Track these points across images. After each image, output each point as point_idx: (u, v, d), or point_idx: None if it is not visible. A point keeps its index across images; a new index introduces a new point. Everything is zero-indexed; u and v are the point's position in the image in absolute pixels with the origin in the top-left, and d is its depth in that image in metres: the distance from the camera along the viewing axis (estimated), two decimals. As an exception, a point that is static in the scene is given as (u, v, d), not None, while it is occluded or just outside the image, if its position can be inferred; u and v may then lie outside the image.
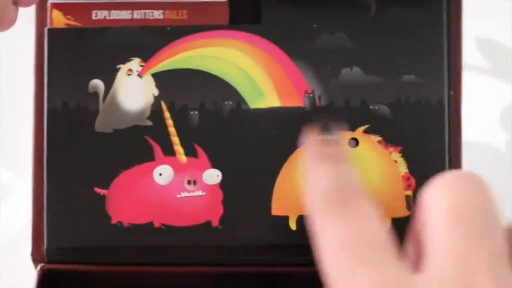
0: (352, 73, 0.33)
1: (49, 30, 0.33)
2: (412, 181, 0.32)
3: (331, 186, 0.24)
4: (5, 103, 0.34)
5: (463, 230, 0.21)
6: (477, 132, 0.48)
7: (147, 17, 0.33)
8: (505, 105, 0.49)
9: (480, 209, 0.22)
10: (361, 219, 0.22)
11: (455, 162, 0.33)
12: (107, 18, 0.33)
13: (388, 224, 0.24)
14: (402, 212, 0.32)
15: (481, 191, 0.22)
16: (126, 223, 0.33)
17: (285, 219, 0.32)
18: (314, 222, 0.24)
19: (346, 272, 0.21)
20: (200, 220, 0.33)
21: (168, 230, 0.33)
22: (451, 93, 0.33)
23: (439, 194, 0.22)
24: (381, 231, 0.22)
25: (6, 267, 0.38)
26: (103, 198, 0.33)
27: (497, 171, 0.47)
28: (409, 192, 0.32)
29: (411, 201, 0.32)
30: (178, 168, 0.33)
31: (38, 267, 0.33)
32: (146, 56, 0.33)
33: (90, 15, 0.33)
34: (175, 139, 0.33)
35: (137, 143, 0.33)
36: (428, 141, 0.32)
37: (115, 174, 0.33)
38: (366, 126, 0.32)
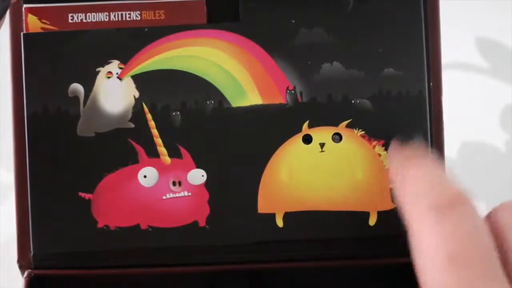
0: (332, 68, 0.33)
1: (25, 35, 0.33)
2: (396, 174, 0.32)
3: (426, 183, 0.24)
4: (6, 103, 0.34)
5: None
6: (477, 132, 0.48)
7: (124, 18, 0.33)
8: (505, 105, 0.49)
9: None
10: (462, 219, 0.22)
11: (438, 154, 0.33)
12: (84, 21, 0.33)
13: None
14: (387, 205, 0.33)
15: None
16: (112, 226, 0.33)
17: (272, 216, 0.33)
18: (413, 221, 0.24)
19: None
20: (187, 220, 0.33)
21: (155, 232, 0.33)
22: (431, 84, 0.33)
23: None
24: (483, 233, 0.22)
25: (5, 268, 0.38)
26: (88, 202, 0.33)
27: (497, 171, 0.47)
28: (393, 185, 0.32)
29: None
30: (162, 170, 0.33)
31: (25, 274, 0.33)
32: (125, 58, 0.33)
33: (66, 18, 0.33)
34: (158, 140, 0.33)
35: (120, 146, 0.33)
36: (411, 133, 0.32)
37: (99, 178, 0.33)
38: (348, 121, 0.33)
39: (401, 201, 0.25)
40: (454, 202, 0.23)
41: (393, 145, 0.28)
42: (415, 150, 0.27)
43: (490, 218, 0.24)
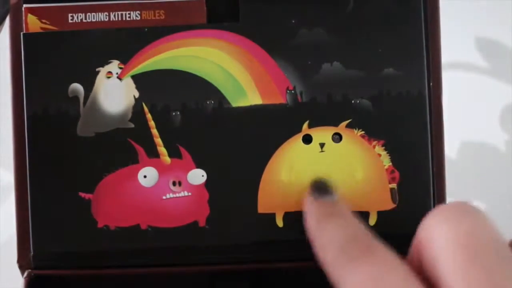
0: (332, 68, 0.33)
1: (24, 35, 0.33)
2: (396, 174, 0.32)
3: (344, 237, 0.24)
4: (5, 103, 0.34)
5: (477, 269, 0.22)
6: (477, 132, 0.48)
7: (124, 18, 0.33)
8: (505, 105, 0.49)
9: (491, 243, 0.22)
10: (380, 263, 0.23)
11: (438, 154, 0.33)
12: (84, 21, 0.33)
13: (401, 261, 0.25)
14: (387, 205, 0.33)
15: (484, 223, 0.23)
16: (112, 226, 0.33)
17: (272, 216, 0.33)
18: (335, 275, 0.25)
19: None
20: (187, 220, 0.33)
21: (155, 232, 0.33)
22: (431, 84, 0.33)
23: (444, 229, 0.23)
24: (402, 270, 0.23)
25: (5, 268, 0.38)
26: (88, 202, 0.33)
27: (497, 171, 0.47)
28: (393, 185, 0.33)
29: (396, 194, 0.32)
30: (162, 170, 0.33)
31: (25, 274, 0.33)
32: (125, 58, 0.33)
33: (66, 18, 0.33)
34: (158, 140, 0.33)
35: (120, 146, 0.33)
36: (411, 133, 0.32)
37: (99, 178, 0.33)
38: (348, 121, 0.33)
39: (322, 259, 0.26)
40: (367, 252, 0.25)
41: (309, 199, 0.29)
42: (328, 206, 0.28)
43: (421, 233, 0.24)
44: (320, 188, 0.29)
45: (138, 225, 0.33)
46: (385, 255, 0.24)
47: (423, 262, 0.24)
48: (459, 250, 0.22)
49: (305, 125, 0.33)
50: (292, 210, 0.33)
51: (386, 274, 0.23)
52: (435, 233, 0.23)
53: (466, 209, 0.23)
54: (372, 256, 0.24)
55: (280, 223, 0.33)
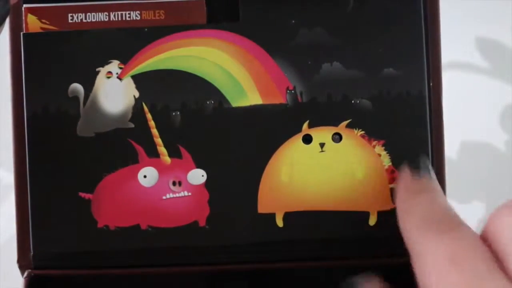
0: (332, 68, 0.33)
1: (24, 35, 0.33)
2: (396, 174, 0.32)
3: (432, 210, 0.25)
4: (5, 103, 0.34)
5: None
6: (477, 132, 0.48)
7: (124, 18, 0.33)
8: (505, 105, 0.49)
9: None
10: (463, 239, 0.24)
11: (438, 154, 0.33)
12: (84, 21, 0.33)
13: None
14: (387, 205, 0.33)
15: None
16: (112, 226, 0.33)
17: (272, 216, 0.33)
18: (417, 244, 0.25)
19: (460, 285, 0.23)
20: (187, 220, 0.33)
21: (155, 232, 0.33)
22: (431, 84, 0.33)
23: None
24: (482, 249, 0.24)
25: (5, 268, 0.38)
26: (88, 202, 0.33)
27: (497, 171, 0.47)
28: (394, 185, 0.32)
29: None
30: (162, 170, 0.33)
31: (25, 274, 0.33)
32: (125, 58, 0.33)
33: (66, 18, 0.33)
34: (158, 140, 0.33)
35: (120, 146, 0.33)
36: (411, 133, 0.32)
37: (99, 178, 0.33)
38: (348, 121, 0.33)
39: (404, 227, 0.27)
40: (453, 227, 0.25)
41: (402, 174, 0.29)
42: (421, 181, 0.29)
43: (489, 226, 0.25)
44: (417, 165, 0.29)
45: (138, 225, 0.33)
46: (468, 233, 0.25)
47: (492, 250, 0.25)
48: None
49: (305, 125, 0.33)
50: (292, 210, 0.33)
51: (467, 251, 0.24)
52: (502, 225, 0.24)
53: None
54: (456, 232, 0.24)
55: (280, 223, 0.33)
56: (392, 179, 0.33)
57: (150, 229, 0.33)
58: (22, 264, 0.33)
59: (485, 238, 0.25)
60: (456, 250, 0.24)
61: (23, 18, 0.33)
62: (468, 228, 0.25)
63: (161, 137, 0.33)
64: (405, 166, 0.30)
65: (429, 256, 0.24)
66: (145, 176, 0.33)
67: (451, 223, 0.25)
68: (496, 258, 0.24)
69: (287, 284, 0.35)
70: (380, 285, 0.27)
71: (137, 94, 0.33)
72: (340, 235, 0.32)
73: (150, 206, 0.33)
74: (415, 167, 0.29)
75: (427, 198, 0.27)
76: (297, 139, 0.33)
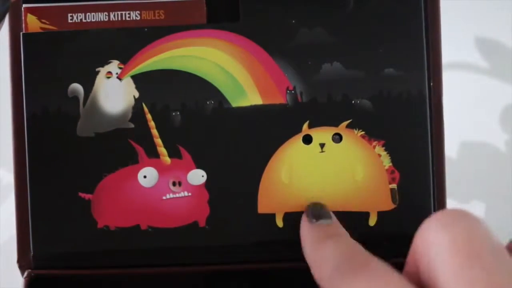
0: (332, 68, 0.33)
1: (24, 35, 0.33)
2: (396, 174, 0.32)
3: (340, 256, 0.25)
4: (5, 103, 0.34)
5: (477, 270, 0.22)
6: (477, 132, 0.48)
7: (124, 18, 0.33)
8: (505, 105, 0.49)
9: (488, 245, 0.22)
10: (376, 276, 0.23)
11: (438, 154, 0.33)
12: (83, 21, 0.33)
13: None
14: (387, 206, 0.33)
15: (480, 227, 0.23)
16: (112, 226, 0.33)
17: (272, 216, 0.33)
18: None
19: None
20: (187, 221, 0.33)
21: (155, 232, 0.33)
22: (431, 84, 0.33)
23: (440, 233, 0.23)
24: (398, 283, 0.23)
25: (5, 268, 0.38)
26: (88, 202, 0.33)
27: (497, 171, 0.47)
28: (394, 186, 0.32)
29: (396, 194, 0.32)
30: (162, 170, 0.33)
31: (25, 274, 0.33)
32: (124, 58, 0.33)
33: (66, 18, 0.33)
34: (158, 140, 0.33)
35: (120, 146, 0.32)
36: (411, 133, 0.32)
37: (99, 178, 0.33)
38: (349, 121, 0.33)
39: (319, 278, 0.27)
40: (365, 263, 0.25)
41: (302, 225, 0.30)
42: (325, 228, 0.29)
43: (417, 239, 0.25)
44: (317, 212, 0.30)
45: (138, 225, 0.33)
46: (381, 269, 0.24)
47: (420, 269, 0.24)
48: (457, 253, 0.22)
49: (305, 125, 0.33)
50: (292, 210, 0.33)
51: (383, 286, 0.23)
52: (431, 239, 0.23)
53: (461, 215, 0.23)
54: (367, 271, 0.24)
55: (280, 223, 0.33)
56: (392, 179, 0.33)
57: (150, 229, 0.33)
58: (22, 264, 0.33)
59: (415, 251, 0.24)
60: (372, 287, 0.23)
61: (23, 18, 0.33)
62: (380, 264, 0.25)
63: (161, 138, 0.33)
64: (305, 216, 0.30)
65: None
66: (145, 177, 0.33)
67: (362, 260, 0.25)
68: (428, 275, 0.24)
69: (287, 284, 0.35)
70: None
71: (137, 94, 0.33)
72: (340, 235, 0.32)
73: (150, 206, 0.33)
74: (315, 216, 0.30)
75: (332, 244, 0.27)
76: (297, 140, 0.33)
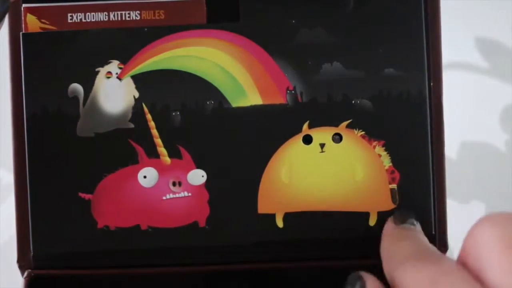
0: (332, 68, 0.33)
1: (24, 35, 0.33)
2: (396, 174, 0.32)
3: (412, 253, 0.27)
4: (5, 103, 0.34)
5: None
6: (477, 132, 0.48)
7: (124, 18, 0.33)
8: (505, 105, 0.49)
9: None
10: (440, 265, 0.24)
11: (438, 154, 0.33)
12: (83, 20, 0.33)
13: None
14: (387, 206, 0.33)
15: None
16: (112, 227, 0.33)
17: (272, 216, 0.33)
18: (399, 277, 0.26)
19: None
20: (187, 221, 0.33)
21: (155, 232, 0.33)
22: (431, 84, 0.33)
23: (489, 233, 0.24)
24: (463, 272, 0.24)
25: (5, 268, 0.38)
26: (88, 203, 0.33)
27: (497, 171, 0.47)
28: (394, 186, 0.33)
29: (396, 194, 0.32)
30: (162, 170, 0.33)
31: (25, 274, 0.33)
32: (124, 58, 0.33)
33: (66, 18, 0.33)
34: (158, 141, 0.33)
35: (120, 147, 0.32)
36: (411, 133, 0.32)
37: (99, 179, 0.33)
38: (349, 121, 0.33)
39: (389, 268, 0.27)
40: (433, 258, 0.26)
41: (387, 224, 0.31)
42: (405, 230, 0.30)
43: (469, 239, 0.25)
44: (404, 218, 0.31)
45: (138, 225, 0.33)
46: (448, 261, 0.25)
47: (468, 266, 0.25)
48: (506, 252, 0.23)
49: (305, 126, 0.33)
50: (292, 210, 0.33)
51: (447, 275, 0.24)
52: (480, 239, 0.24)
53: (510, 217, 0.24)
54: (438, 264, 0.25)
55: (280, 223, 0.33)
56: (392, 180, 0.33)
57: (150, 229, 0.33)
58: (22, 264, 0.33)
59: (465, 251, 0.25)
60: (436, 274, 0.24)
61: (23, 18, 0.33)
62: (448, 258, 0.26)
63: (161, 138, 0.33)
64: (391, 218, 0.31)
65: (411, 285, 0.25)
66: (145, 177, 0.33)
67: (432, 255, 0.26)
68: (477, 273, 0.24)
69: (287, 284, 0.35)
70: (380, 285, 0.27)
71: (137, 94, 0.33)
72: (340, 236, 0.32)
73: (150, 206, 0.33)
74: (401, 220, 0.31)
75: (409, 241, 0.28)
76: (297, 140, 0.33)
